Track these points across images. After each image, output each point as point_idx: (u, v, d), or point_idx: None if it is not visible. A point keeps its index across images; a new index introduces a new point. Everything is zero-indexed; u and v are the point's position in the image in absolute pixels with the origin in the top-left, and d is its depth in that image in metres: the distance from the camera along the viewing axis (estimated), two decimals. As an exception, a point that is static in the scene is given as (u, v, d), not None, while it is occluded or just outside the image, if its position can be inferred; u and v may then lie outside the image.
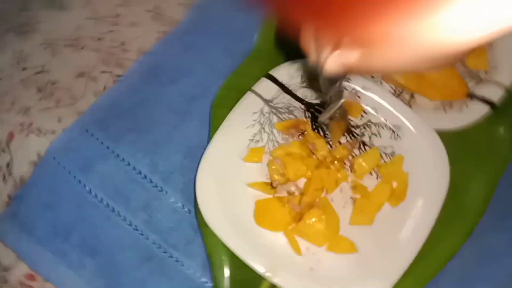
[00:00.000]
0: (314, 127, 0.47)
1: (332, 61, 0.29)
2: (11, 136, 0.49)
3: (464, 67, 0.48)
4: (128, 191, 0.46)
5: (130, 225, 0.45)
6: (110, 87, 0.50)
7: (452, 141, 0.45)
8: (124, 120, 0.48)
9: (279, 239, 0.43)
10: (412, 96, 0.48)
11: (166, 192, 0.46)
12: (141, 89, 0.48)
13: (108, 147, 0.47)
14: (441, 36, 0.22)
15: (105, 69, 0.51)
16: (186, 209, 0.46)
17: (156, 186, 0.46)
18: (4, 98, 0.50)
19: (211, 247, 0.42)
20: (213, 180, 0.44)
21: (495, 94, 0.46)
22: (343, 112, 0.44)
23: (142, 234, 0.45)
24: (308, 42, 0.31)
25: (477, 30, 0.21)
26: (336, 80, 0.36)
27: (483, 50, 0.48)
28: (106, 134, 0.47)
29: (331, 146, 0.46)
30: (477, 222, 0.43)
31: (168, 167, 0.47)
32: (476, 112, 0.46)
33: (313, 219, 0.42)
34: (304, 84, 0.48)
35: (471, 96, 0.47)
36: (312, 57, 0.31)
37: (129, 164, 0.47)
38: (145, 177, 0.47)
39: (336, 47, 0.29)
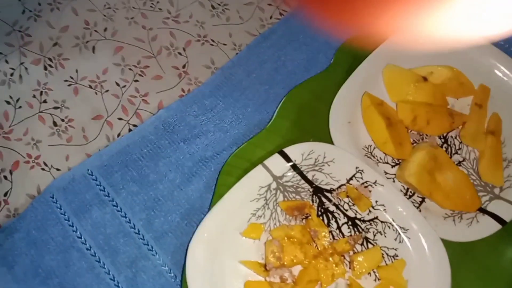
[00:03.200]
0: (319, 213, 0.46)
1: None
2: (16, 165, 0.49)
3: (479, 180, 0.47)
4: (118, 244, 0.45)
5: (113, 279, 0.44)
6: (124, 134, 0.50)
7: (457, 253, 0.44)
8: (129, 170, 0.47)
9: (262, 327, 0.40)
10: (423, 200, 0.47)
11: (156, 253, 0.45)
12: (153, 142, 0.48)
13: (108, 194, 0.46)
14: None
15: (122, 116, 0.51)
16: (172, 274, 0.44)
17: (147, 244, 0.45)
18: (18, 126, 0.50)
19: (190, 323, 0.40)
20: (206, 249, 0.42)
21: (507, 213, 0.45)
22: None
23: (122, 293, 0.43)
24: None
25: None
26: None
27: (499, 166, 0.47)
28: (109, 181, 0.47)
29: (333, 237, 0.45)
30: None
31: (163, 226, 0.45)
32: (486, 229, 0.44)
33: (302, 313, 0.39)
34: (317, 168, 0.47)
35: (483, 211, 0.45)
36: None
37: (125, 216, 0.46)
38: (139, 232, 0.45)
39: None
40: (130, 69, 0.54)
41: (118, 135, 0.50)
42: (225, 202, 0.44)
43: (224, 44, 0.56)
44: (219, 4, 0.59)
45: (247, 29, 0.58)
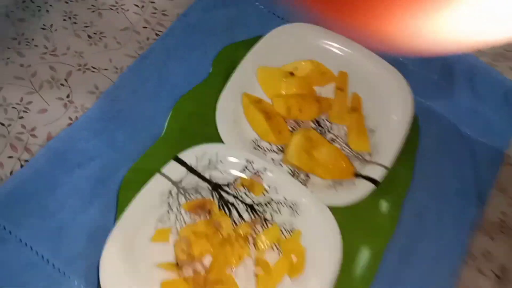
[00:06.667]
0: (220, 206, 0.50)
1: None
2: None
3: (350, 150, 0.55)
4: (27, 277, 0.44)
5: (27, 315, 0.43)
6: (17, 171, 0.50)
7: (343, 216, 0.50)
8: (27, 204, 0.47)
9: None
10: (307, 176, 0.53)
11: (69, 277, 0.45)
12: (47, 173, 0.49)
13: (10, 232, 0.46)
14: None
15: (12, 154, 0.51)
16: (89, 295, 0.45)
17: (59, 271, 0.45)
18: None
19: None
20: (118, 263, 0.44)
21: (378, 174, 0.53)
22: None
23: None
24: None
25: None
26: None
27: (364, 136, 0.55)
28: (8, 219, 0.46)
29: (236, 224, 0.49)
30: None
31: (71, 251, 0.46)
32: (362, 189, 0.52)
33: (218, 297, 0.43)
34: (212, 167, 0.51)
35: (358, 175, 0.53)
36: None
37: (31, 248, 0.46)
38: (48, 261, 0.45)
39: None
40: (13, 107, 0.54)
41: (11, 173, 0.50)
42: (128, 215, 0.46)
43: (106, 69, 0.58)
44: (95, 33, 0.61)
45: (126, 52, 0.60)
